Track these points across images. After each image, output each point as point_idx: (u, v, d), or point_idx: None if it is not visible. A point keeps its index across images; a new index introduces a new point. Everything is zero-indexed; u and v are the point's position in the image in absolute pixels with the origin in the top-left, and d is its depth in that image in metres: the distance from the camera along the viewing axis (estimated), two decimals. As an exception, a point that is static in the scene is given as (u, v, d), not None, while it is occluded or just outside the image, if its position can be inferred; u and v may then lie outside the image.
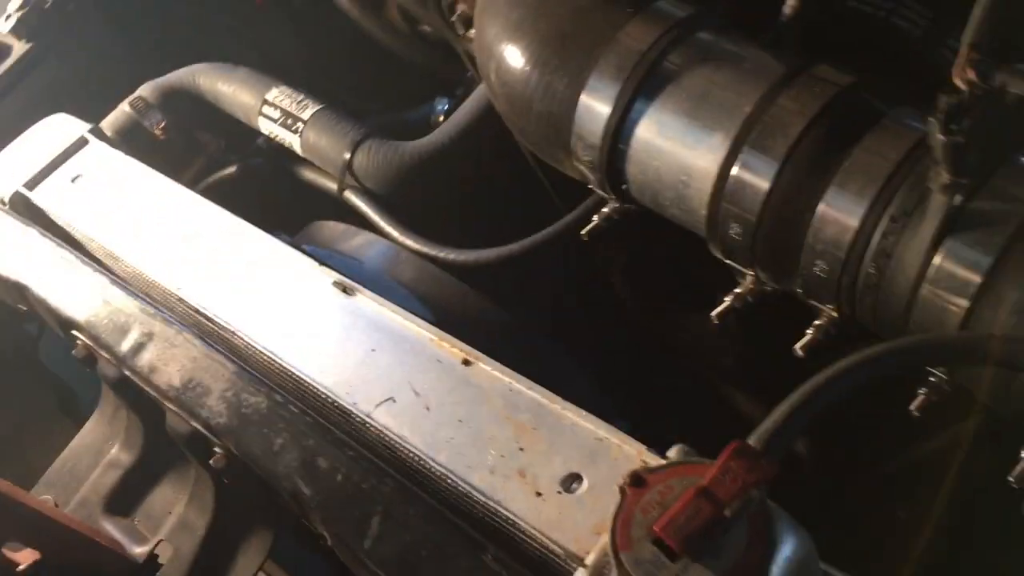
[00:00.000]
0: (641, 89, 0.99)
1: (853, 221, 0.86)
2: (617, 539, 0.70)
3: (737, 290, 1.01)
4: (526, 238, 1.23)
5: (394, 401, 0.93)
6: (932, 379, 0.90)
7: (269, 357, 0.98)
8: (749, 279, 1.00)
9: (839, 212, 0.87)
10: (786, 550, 0.74)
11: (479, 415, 0.90)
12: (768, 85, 0.93)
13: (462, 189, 1.39)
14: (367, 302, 1.03)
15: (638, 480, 0.72)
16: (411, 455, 0.89)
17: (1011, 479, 0.85)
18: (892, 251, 0.83)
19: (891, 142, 0.86)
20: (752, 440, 0.73)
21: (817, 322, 0.95)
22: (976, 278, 0.79)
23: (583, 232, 1.13)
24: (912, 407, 0.90)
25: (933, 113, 0.77)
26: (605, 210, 1.13)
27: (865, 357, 0.74)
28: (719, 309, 1.01)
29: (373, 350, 0.98)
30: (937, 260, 0.81)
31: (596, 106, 1.02)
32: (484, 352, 0.96)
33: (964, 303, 0.79)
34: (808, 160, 0.89)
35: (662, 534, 0.68)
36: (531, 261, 1.25)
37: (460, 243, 1.31)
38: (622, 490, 0.72)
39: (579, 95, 1.03)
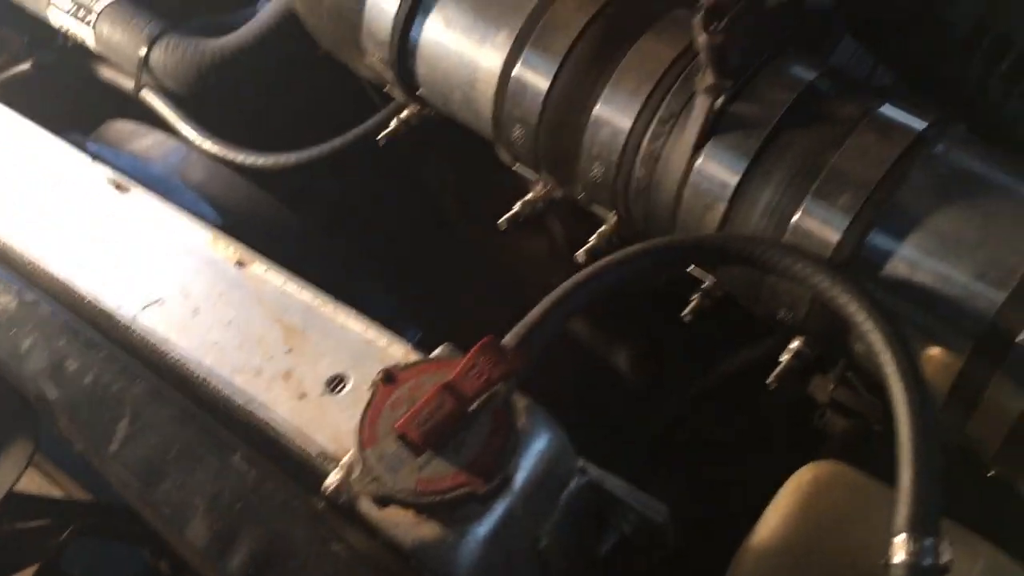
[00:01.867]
0: (429, -18, 0.96)
1: (625, 123, 0.86)
2: (364, 435, 0.69)
3: (527, 197, 1.00)
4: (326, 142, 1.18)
5: (162, 303, 0.89)
6: (704, 285, 0.92)
7: (28, 258, 0.92)
8: (538, 185, 1.00)
9: (613, 114, 0.86)
10: (538, 444, 0.75)
11: (249, 317, 0.87)
12: (554, -19, 0.91)
13: (267, 91, 1.33)
14: (143, 200, 0.98)
15: (389, 377, 0.72)
16: (175, 359, 0.85)
17: (769, 382, 0.88)
18: (660, 154, 0.84)
19: (666, 42, 0.86)
20: (508, 339, 0.73)
21: (601, 228, 0.96)
22: (732, 180, 0.80)
23: (379, 138, 1.10)
24: (684, 313, 0.92)
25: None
26: (403, 115, 1.10)
27: (618, 258, 0.75)
28: (508, 215, 1.00)
29: (144, 250, 0.93)
30: (698, 163, 0.82)
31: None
32: (269, 254, 0.93)
33: (722, 206, 0.81)
34: (586, 59, 0.88)
35: (404, 428, 0.67)
36: (332, 166, 1.21)
37: (264, 148, 1.25)
38: (373, 387, 0.72)
39: (367, -12, 0.99)
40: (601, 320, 1.44)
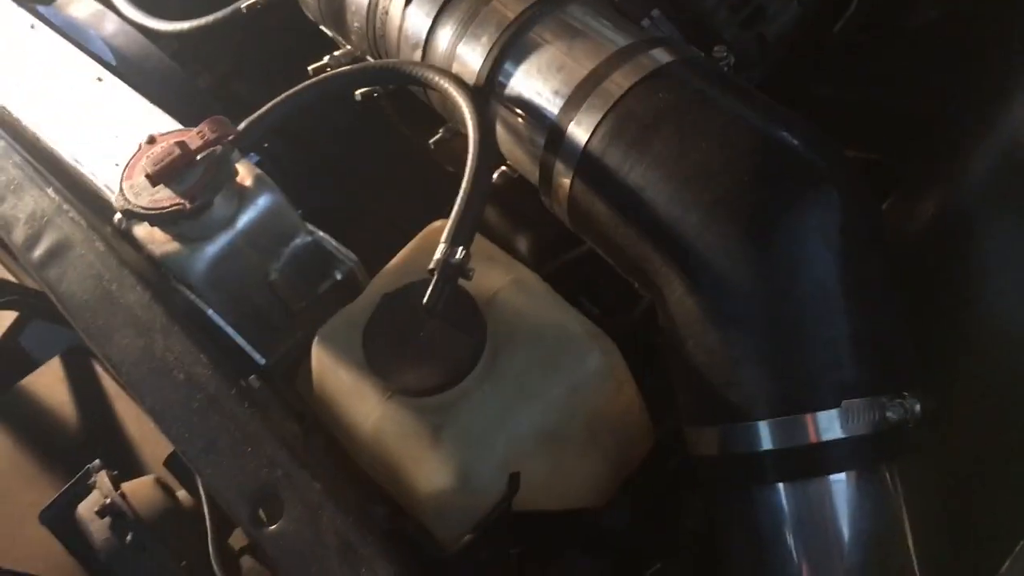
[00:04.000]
0: None
1: (368, -14, 1.16)
2: (124, 175, 1.02)
3: (335, 52, 1.31)
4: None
5: (42, 103, 1.23)
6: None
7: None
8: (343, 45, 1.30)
9: (362, -20, 1.17)
10: (261, 200, 1.07)
11: (104, 117, 1.20)
12: None
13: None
14: (47, 35, 1.32)
15: (151, 139, 1.04)
16: (55, 153, 1.19)
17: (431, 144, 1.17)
18: (388, 9, 1.14)
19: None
20: (241, 126, 1.05)
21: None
22: (425, 27, 1.10)
23: (243, 7, 1.42)
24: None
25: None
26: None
27: (330, 76, 1.05)
28: (318, 64, 1.31)
29: (43, 70, 1.27)
30: (407, 14, 1.11)
31: None
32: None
33: (421, 46, 1.11)
34: (348, -56, 1.18)
35: (145, 168, 1.00)
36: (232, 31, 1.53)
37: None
38: (139, 146, 1.04)
39: None
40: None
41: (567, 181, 0.98)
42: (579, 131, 0.96)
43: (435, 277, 0.89)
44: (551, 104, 1.00)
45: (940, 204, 1.06)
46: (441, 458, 0.88)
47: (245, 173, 1.08)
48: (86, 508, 0.97)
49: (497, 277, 0.96)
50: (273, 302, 1.13)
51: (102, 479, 0.99)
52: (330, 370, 0.96)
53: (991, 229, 1.00)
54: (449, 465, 0.87)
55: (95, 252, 1.02)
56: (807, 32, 1.31)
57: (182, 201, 0.99)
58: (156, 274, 1.05)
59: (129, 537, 0.94)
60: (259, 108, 1.05)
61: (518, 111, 1.03)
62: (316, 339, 0.99)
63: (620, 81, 0.95)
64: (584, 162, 0.96)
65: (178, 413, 0.90)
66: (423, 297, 0.89)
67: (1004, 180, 1.00)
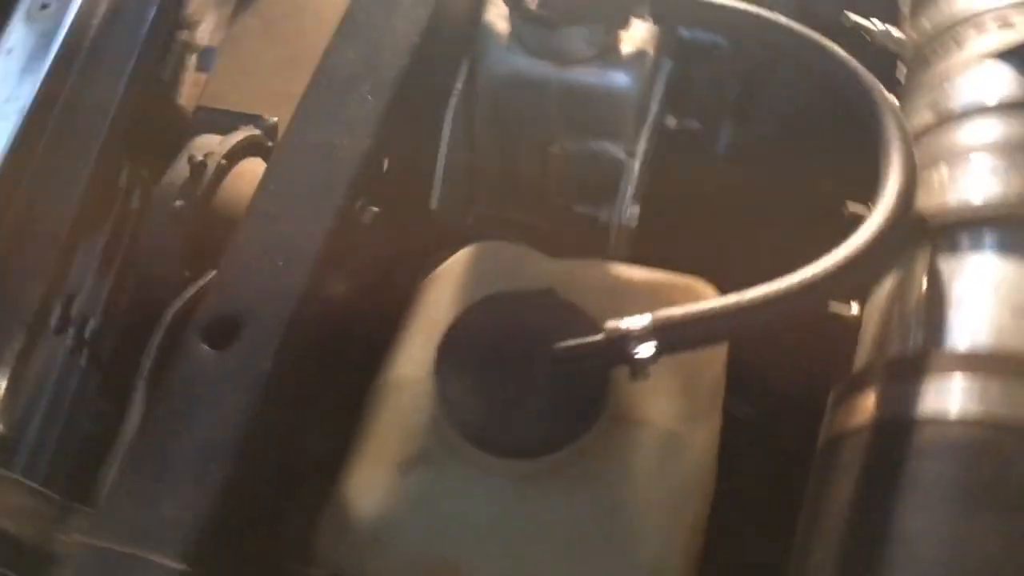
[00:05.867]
0: None
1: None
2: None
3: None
4: None
5: None
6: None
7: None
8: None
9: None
10: (611, 76, 0.80)
11: None
12: None
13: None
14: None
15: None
16: None
17: None
18: None
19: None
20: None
21: None
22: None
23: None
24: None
25: None
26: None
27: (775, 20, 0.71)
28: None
29: None
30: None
31: None
32: None
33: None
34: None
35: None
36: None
37: None
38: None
39: None
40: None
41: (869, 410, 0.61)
42: (951, 392, 0.58)
43: (596, 340, 0.58)
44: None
45: None
46: (383, 490, 0.63)
47: (639, 39, 0.80)
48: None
49: (668, 411, 0.64)
50: (518, 168, 0.87)
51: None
52: (436, 286, 0.73)
53: None
54: (380, 506, 0.62)
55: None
56: None
57: (534, -1, 0.74)
58: (461, 44, 0.83)
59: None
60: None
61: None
62: (466, 251, 0.74)
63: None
64: (920, 431, 0.58)
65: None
66: (565, 338, 0.59)
67: None
